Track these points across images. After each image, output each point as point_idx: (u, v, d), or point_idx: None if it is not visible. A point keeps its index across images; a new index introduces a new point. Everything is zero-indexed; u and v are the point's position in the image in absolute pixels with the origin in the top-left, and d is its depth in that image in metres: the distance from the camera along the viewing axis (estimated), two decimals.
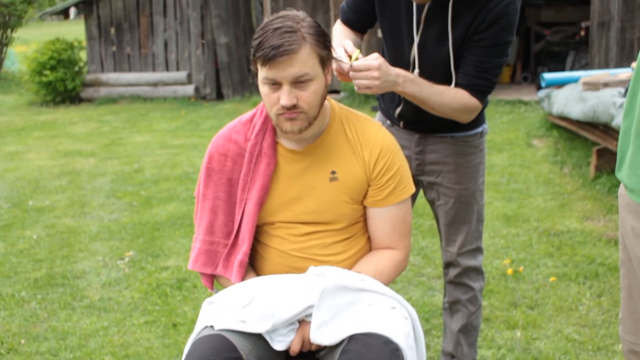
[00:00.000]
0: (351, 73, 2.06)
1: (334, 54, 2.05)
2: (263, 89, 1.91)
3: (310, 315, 1.83)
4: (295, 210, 2.05)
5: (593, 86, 5.69)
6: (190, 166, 6.84)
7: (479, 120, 2.47)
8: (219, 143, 2.10)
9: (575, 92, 6.00)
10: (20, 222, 5.23)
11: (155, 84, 11.83)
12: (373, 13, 2.42)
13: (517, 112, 8.78)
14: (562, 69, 10.11)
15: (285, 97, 1.86)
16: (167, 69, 11.94)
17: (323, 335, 1.82)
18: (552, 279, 3.82)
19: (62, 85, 11.52)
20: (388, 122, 2.58)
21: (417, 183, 2.55)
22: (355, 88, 2.09)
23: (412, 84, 2.15)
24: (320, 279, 1.90)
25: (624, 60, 8.76)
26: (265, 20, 1.91)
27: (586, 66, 9.58)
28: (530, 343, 3.18)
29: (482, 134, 2.52)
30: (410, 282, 3.87)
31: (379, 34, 2.47)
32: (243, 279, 2.04)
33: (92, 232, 4.94)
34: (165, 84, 11.80)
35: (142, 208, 5.49)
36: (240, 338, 1.82)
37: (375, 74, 2.03)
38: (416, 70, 2.31)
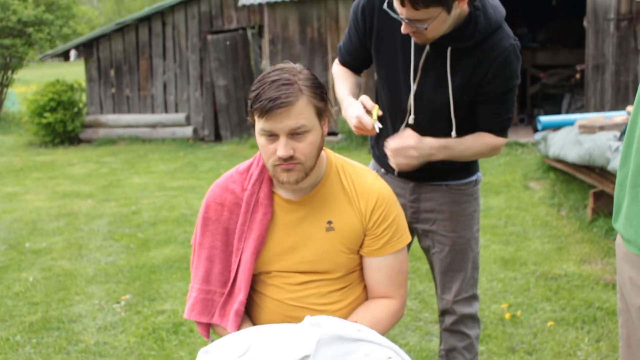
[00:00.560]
0: (388, 152, 2.21)
1: (353, 117, 2.16)
2: (260, 140, 1.94)
3: None
4: (292, 260, 2.05)
5: (589, 129, 5.73)
6: (188, 208, 6.85)
7: (472, 168, 2.51)
8: (216, 192, 2.12)
9: (572, 135, 6.04)
10: (16, 264, 5.22)
11: (154, 126, 11.91)
12: (368, 57, 2.46)
13: (514, 154, 8.83)
14: (558, 111, 10.19)
15: (282, 148, 1.89)
16: (165, 110, 12.04)
17: None
18: (550, 323, 3.80)
19: (61, 127, 11.60)
20: (382, 170, 2.59)
21: (412, 231, 2.55)
22: (394, 166, 2.24)
23: (445, 150, 2.29)
24: (316, 328, 1.88)
25: (619, 103, 8.85)
26: (263, 72, 1.95)
27: (582, 108, 9.67)
28: None
29: (476, 182, 2.55)
30: (408, 327, 3.85)
31: (376, 76, 2.51)
32: (239, 328, 2.04)
33: (89, 274, 4.93)
34: (164, 125, 11.88)
35: (139, 250, 5.48)
36: None
37: (414, 153, 2.19)
38: (411, 117, 2.34)
